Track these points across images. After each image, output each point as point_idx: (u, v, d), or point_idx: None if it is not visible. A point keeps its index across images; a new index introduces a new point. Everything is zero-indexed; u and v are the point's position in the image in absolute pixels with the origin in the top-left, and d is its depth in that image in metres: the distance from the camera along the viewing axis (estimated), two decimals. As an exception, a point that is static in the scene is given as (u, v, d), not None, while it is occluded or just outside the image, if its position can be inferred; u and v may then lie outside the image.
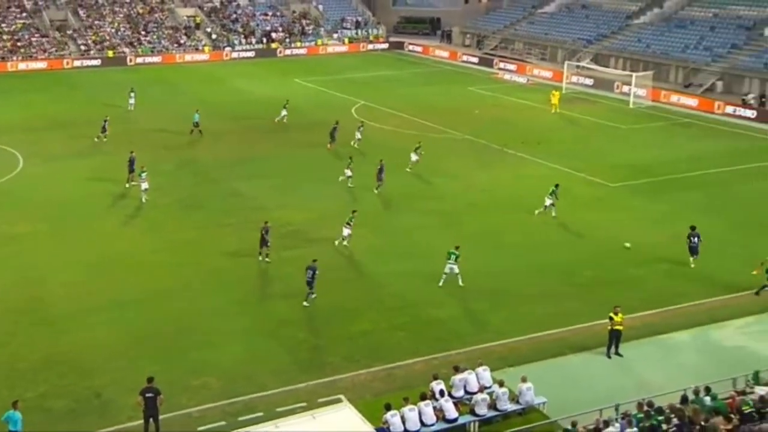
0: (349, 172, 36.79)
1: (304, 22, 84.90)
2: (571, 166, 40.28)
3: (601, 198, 36.05)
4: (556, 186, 33.38)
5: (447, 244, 29.93)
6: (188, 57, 75.86)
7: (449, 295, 25.99)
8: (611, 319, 22.18)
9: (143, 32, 77.36)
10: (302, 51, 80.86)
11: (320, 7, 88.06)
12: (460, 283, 26.33)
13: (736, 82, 58.22)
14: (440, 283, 26.38)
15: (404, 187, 37.25)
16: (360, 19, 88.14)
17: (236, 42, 79.33)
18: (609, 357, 22.19)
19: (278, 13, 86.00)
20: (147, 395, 18.47)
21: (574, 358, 22.16)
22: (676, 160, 41.60)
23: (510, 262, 28.78)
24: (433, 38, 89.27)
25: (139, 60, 73.59)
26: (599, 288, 26.50)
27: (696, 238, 28.45)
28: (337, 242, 29.82)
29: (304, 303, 25.08)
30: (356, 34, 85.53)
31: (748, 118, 51.40)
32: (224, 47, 78.30)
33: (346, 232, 29.64)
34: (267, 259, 28.38)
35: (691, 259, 28.34)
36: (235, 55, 77.92)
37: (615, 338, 22.21)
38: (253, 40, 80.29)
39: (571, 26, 74.62)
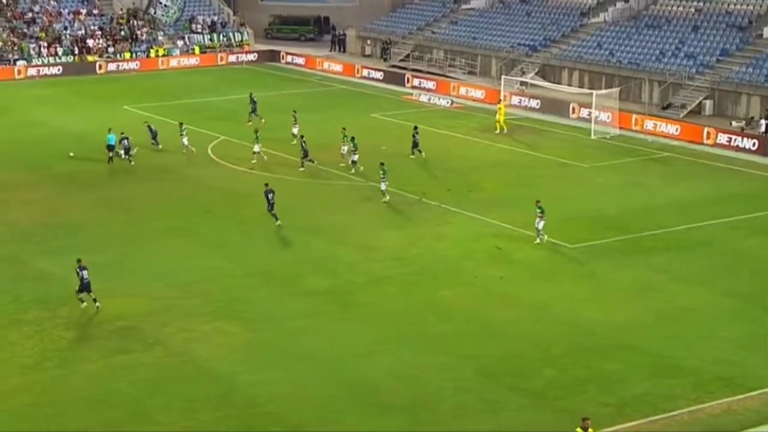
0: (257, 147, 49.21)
1: (134, 23, 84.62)
2: (514, 221, 41.05)
3: (556, 264, 36.81)
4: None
5: (342, 339, 29.96)
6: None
7: (346, 408, 25.90)
8: (579, 436, 22.55)
9: None
10: (133, 65, 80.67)
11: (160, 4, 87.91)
12: None
13: (730, 100, 61.13)
14: None
15: (284, 259, 37.26)
16: (216, 19, 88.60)
17: (34, 53, 78.30)
18: (578, 491, 22.48)
19: (96, 11, 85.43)
20: None
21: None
22: (654, 210, 42.99)
23: (433, 359, 28.93)
24: (321, 45, 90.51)
25: None
26: (560, 392, 26.93)
27: None
28: (383, 200, 43.30)
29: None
30: (211, 40, 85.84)
31: (749, 150, 53.73)
32: (15, 61, 77.17)
33: (383, 186, 43.36)
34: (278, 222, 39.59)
35: None
36: (32, 72, 76.89)
37: (585, 464, 22.54)
38: (60, 51, 79.47)
39: (508, 27, 77.12)
